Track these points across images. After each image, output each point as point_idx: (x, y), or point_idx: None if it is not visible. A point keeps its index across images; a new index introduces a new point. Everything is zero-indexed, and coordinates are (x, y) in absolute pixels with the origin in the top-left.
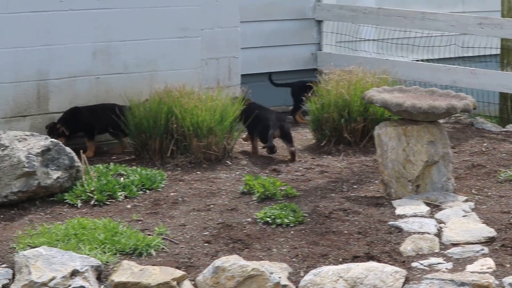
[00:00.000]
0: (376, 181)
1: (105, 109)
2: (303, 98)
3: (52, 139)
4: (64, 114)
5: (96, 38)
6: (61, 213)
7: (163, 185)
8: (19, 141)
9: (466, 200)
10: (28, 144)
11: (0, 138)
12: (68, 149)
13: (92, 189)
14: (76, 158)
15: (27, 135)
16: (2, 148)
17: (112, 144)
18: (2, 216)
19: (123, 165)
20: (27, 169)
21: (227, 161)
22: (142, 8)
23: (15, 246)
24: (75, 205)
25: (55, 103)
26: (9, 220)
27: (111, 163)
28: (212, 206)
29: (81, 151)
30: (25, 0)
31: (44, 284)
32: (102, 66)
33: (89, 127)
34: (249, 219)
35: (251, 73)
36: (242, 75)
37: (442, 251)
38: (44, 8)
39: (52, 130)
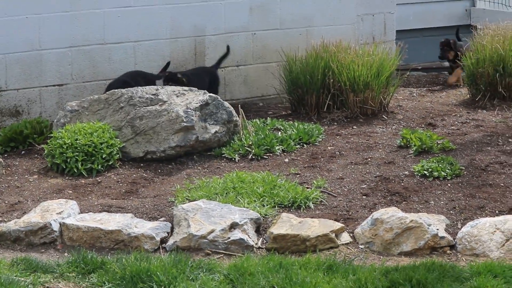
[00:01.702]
0: None
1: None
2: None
3: (211, 94)
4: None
5: None
6: (219, 167)
7: (320, 140)
8: (177, 96)
9: None
10: (186, 99)
11: (158, 93)
12: (226, 104)
13: (250, 143)
14: (234, 112)
15: (185, 90)
16: (160, 103)
17: (268, 100)
18: (159, 170)
19: (279, 120)
20: (185, 124)
21: (383, 116)
22: None
23: (173, 200)
24: (233, 159)
25: (211, 59)
26: (166, 174)
27: (268, 118)
28: (369, 159)
29: (239, 105)
30: None
31: (203, 237)
32: (258, 22)
33: None
34: (406, 172)
35: (405, 29)
36: (397, 31)
37: None
38: None
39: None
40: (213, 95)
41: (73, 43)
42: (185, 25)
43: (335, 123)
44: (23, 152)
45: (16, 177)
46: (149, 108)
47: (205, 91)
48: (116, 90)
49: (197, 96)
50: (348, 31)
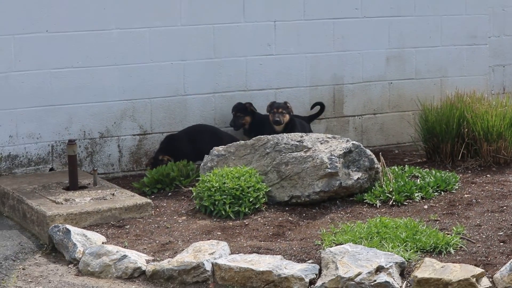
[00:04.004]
0: None
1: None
2: None
3: (354, 142)
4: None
5: (389, 44)
6: (361, 213)
7: (456, 187)
8: (321, 143)
9: None
10: (330, 146)
11: (303, 140)
12: (368, 151)
13: (391, 189)
14: (375, 160)
15: (328, 137)
16: (305, 150)
17: (403, 148)
18: (304, 214)
19: (416, 167)
20: (329, 170)
21: None
22: (434, 16)
23: (319, 243)
24: (374, 205)
25: (349, 107)
26: (311, 218)
27: (406, 166)
28: (504, 207)
29: (380, 153)
30: (322, 7)
31: (351, 279)
32: (395, 71)
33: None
34: None
35: None
36: None
37: None
38: (340, 15)
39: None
40: (356, 142)
41: (216, 89)
42: (324, 73)
43: (469, 171)
44: (169, 193)
45: (165, 218)
46: (294, 154)
47: (348, 138)
48: (262, 136)
49: (340, 144)
50: (480, 82)
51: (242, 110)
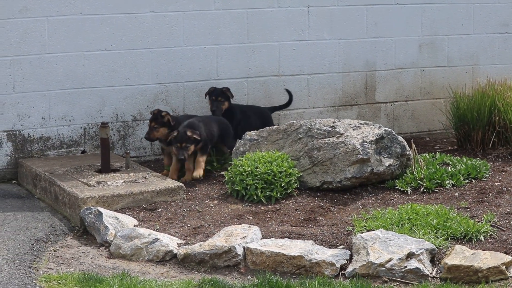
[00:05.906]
0: None
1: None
2: None
3: (386, 128)
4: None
5: (422, 31)
6: (392, 199)
7: (487, 175)
8: (353, 129)
9: None
10: (362, 132)
11: (335, 125)
12: (400, 138)
13: (422, 176)
14: (407, 146)
15: (360, 123)
16: (337, 136)
17: (434, 135)
18: (335, 200)
19: (447, 155)
20: (361, 156)
21: None
22: (466, 4)
23: (350, 228)
24: (405, 191)
25: (381, 93)
26: (342, 204)
27: (437, 153)
28: None
29: (412, 140)
30: None
31: (381, 265)
32: (427, 58)
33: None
34: None
35: None
36: None
37: None
38: (373, 2)
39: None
40: (388, 129)
41: (249, 74)
42: (357, 59)
43: (500, 160)
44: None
45: (197, 202)
46: (327, 140)
47: (380, 125)
48: (294, 121)
49: (372, 130)
50: (511, 70)
51: (222, 95)
